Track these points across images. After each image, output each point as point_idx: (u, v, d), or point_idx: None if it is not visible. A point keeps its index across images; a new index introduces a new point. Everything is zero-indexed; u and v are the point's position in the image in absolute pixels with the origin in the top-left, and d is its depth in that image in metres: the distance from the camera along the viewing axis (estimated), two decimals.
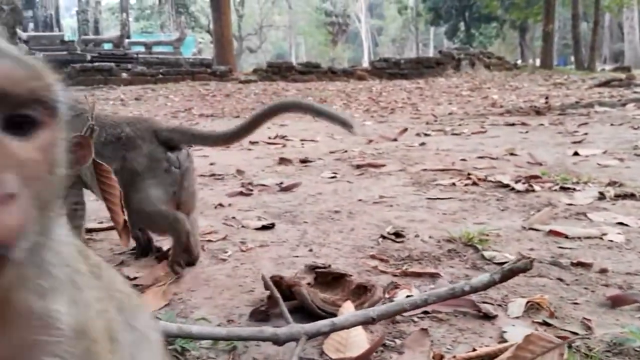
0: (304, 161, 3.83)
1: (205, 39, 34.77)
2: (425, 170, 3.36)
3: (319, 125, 7.17)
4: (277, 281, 1.29)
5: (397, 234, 1.95)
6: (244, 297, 1.39)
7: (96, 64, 15.45)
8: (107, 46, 21.40)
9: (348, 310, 1.17)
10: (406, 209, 2.37)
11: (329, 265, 1.41)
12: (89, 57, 18.12)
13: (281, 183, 2.97)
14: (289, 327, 0.98)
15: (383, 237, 1.94)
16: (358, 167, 3.55)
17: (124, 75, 14.84)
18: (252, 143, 5.14)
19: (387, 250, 1.79)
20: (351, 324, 1.00)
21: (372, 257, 1.72)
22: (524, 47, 32.45)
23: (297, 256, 1.72)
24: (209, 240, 1.90)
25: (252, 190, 2.81)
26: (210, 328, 0.95)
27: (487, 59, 19.63)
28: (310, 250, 1.78)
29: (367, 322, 1.00)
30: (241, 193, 2.74)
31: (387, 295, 1.33)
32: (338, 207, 2.41)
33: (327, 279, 1.37)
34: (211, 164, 3.86)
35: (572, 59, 23.90)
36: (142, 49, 20.96)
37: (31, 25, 25.80)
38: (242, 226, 2.10)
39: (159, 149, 1.62)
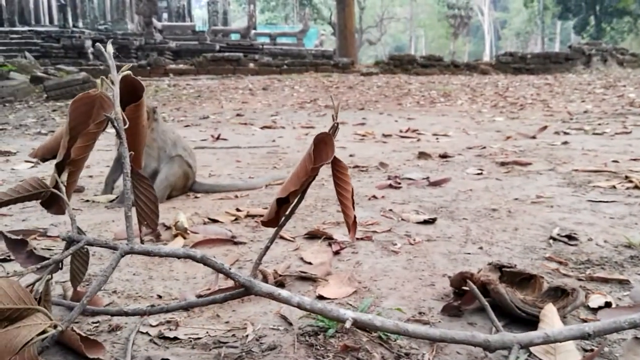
0: (443, 156, 3.76)
1: (326, 30, 35.29)
2: (576, 170, 3.18)
3: (447, 119, 7.04)
4: (469, 278, 1.27)
5: (569, 237, 1.86)
6: (427, 290, 1.39)
7: (225, 53, 16.19)
8: (234, 37, 22.39)
9: (551, 313, 1.13)
10: (569, 211, 2.25)
11: (515, 265, 1.37)
12: (217, 47, 19.07)
13: (427, 178, 2.94)
14: (501, 335, 0.96)
15: (553, 239, 1.85)
16: (502, 164, 3.43)
17: (251, 65, 15.44)
18: (385, 136, 5.14)
19: (562, 253, 1.71)
20: (565, 337, 0.95)
21: (549, 259, 1.64)
22: None
23: (468, 253, 1.69)
24: (374, 232, 1.91)
25: (400, 183, 2.80)
26: (424, 328, 0.95)
27: (621, 55, 18.15)
28: (481, 248, 1.74)
29: (582, 337, 0.96)
30: (390, 186, 2.74)
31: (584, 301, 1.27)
32: (495, 205, 2.33)
33: (515, 279, 1.32)
34: (350, 155, 3.91)
35: None
36: (267, 40, 21.70)
37: (165, 15, 27.58)
38: (402, 219, 2.10)
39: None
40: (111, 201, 2.40)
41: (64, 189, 0.94)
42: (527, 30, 49.54)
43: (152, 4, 20.26)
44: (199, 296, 1.28)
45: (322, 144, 0.95)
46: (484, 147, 4.25)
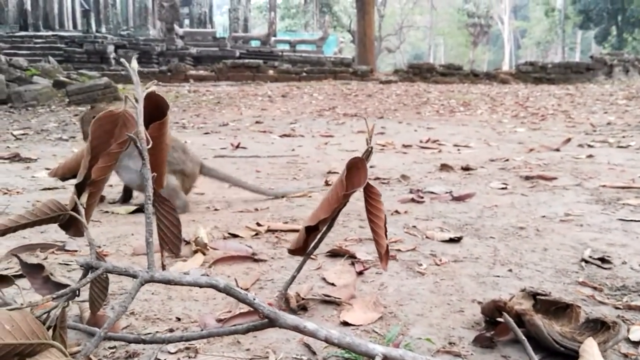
0: (466, 169, 3.69)
1: (345, 38, 35.30)
2: (604, 186, 3.09)
3: (467, 129, 6.95)
4: (501, 307, 1.21)
5: (602, 259, 1.78)
6: (456, 317, 1.33)
7: (245, 60, 16.25)
8: (254, 43, 22.48)
9: (592, 348, 1.06)
10: (599, 231, 2.17)
11: (550, 293, 1.30)
12: (237, 54, 19.18)
13: (450, 192, 2.88)
14: None
15: (585, 261, 1.78)
16: (527, 178, 3.35)
17: (271, 72, 15.47)
18: (405, 146, 5.08)
19: (595, 277, 1.64)
20: None
21: (582, 284, 1.57)
22: None
23: (497, 276, 1.62)
24: (399, 250, 1.86)
25: (422, 197, 2.74)
26: None
27: None
28: (510, 270, 1.67)
29: None
30: (412, 200, 2.68)
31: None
32: (521, 223, 2.26)
33: (550, 307, 1.26)
34: (371, 166, 3.85)
35: None
36: (286, 47, 21.75)
37: (186, 21, 27.84)
38: (427, 237, 2.04)
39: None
40: (131, 212, 2.38)
41: (83, 211, 0.91)
42: (547, 39, 49.11)
43: (174, 11, 20.44)
44: (219, 320, 1.23)
45: (355, 169, 0.90)
46: (507, 160, 4.17)
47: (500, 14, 47.65)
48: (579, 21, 36.42)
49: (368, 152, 0.93)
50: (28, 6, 21.44)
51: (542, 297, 1.27)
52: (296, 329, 0.89)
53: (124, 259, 1.74)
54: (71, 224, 0.95)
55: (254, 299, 0.89)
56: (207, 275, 1.31)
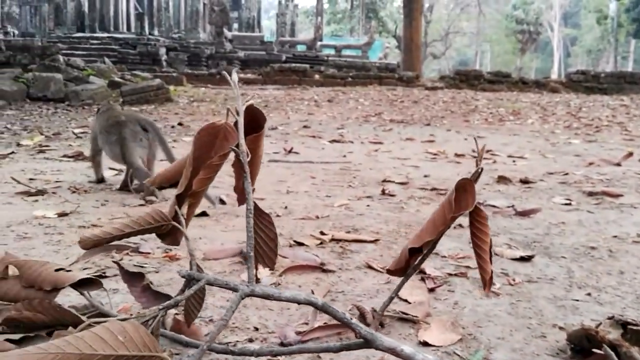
0: (524, 181, 3.60)
1: (391, 43, 35.18)
2: None
3: (519, 139, 6.80)
4: (592, 335, 1.16)
5: None
6: (538, 343, 1.29)
7: (292, 64, 16.36)
8: (301, 48, 22.61)
9: None
10: None
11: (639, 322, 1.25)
12: (284, 58, 19.33)
13: (512, 206, 2.81)
14: None
15: None
16: (590, 194, 3.24)
17: (316, 76, 15.53)
18: (457, 155, 5.01)
19: None
20: None
21: None
22: None
23: (576, 300, 1.56)
24: (468, 267, 1.82)
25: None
26: None
27: None
28: (589, 294, 1.61)
29: None
30: None
31: None
32: (592, 243, 2.18)
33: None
34: (425, 175, 3.81)
35: None
36: (332, 51, 21.80)
37: (235, 25, 28.25)
38: (495, 254, 1.99)
39: (139, 128, 2.96)
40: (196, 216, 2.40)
41: (184, 221, 0.91)
42: (599, 48, 47.77)
43: (224, 15, 20.76)
44: (298, 333, 1.23)
45: (462, 191, 0.88)
46: (567, 174, 4.05)
47: (550, 20, 46.64)
48: (632, 29, 35.34)
49: (477, 174, 0.91)
50: (85, 8, 22.17)
51: (633, 327, 1.22)
52: (392, 351, 0.88)
53: None
54: (169, 234, 0.96)
55: (351, 319, 0.88)
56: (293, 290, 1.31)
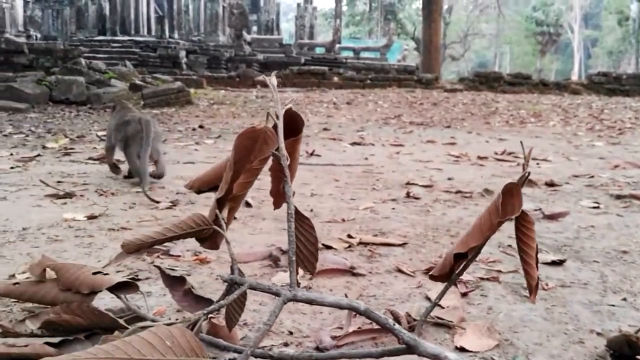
0: (550, 184, 3.56)
1: (409, 45, 35.05)
2: None
3: (541, 142, 6.72)
4: (633, 342, 1.14)
5: None
6: (577, 349, 1.26)
7: (310, 67, 16.38)
8: (319, 50, 22.64)
9: None
10: None
11: None
12: (303, 60, 19.37)
13: (540, 209, 2.78)
14: None
15: None
16: (618, 197, 3.19)
17: (335, 79, 15.53)
18: (480, 158, 4.96)
19: None
20: None
21: None
22: None
23: (612, 305, 1.54)
24: (499, 271, 1.80)
25: None
26: None
27: None
28: (624, 299, 1.58)
29: None
30: None
31: None
32: (624, 247, 2.15)
33: None
34: (449, 178, 3.78)
35: None
36: (350, 53, 21.79)
37: (254, 28, 28.38)
38: None
39: (139, 127, 3.14)
40: None
41: (224, 225, 0.91)
42: (620, 49, 47.11)
43: (243, 18, 20.88)
44: (333, 337, 1.22)
45: (509, 195, 0.86)
46: (592, 176, 4.00)
47: (571, 22, 46.12)
48: None
49: (524, 179, 0.89)
50: (107, 12, 22.45)
51: None
52: (436, 358, 0.87)
53: (224, 265, 1.77)
54: (209, 238, 0.96)
55: (394, 325, 0.87)
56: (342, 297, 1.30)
